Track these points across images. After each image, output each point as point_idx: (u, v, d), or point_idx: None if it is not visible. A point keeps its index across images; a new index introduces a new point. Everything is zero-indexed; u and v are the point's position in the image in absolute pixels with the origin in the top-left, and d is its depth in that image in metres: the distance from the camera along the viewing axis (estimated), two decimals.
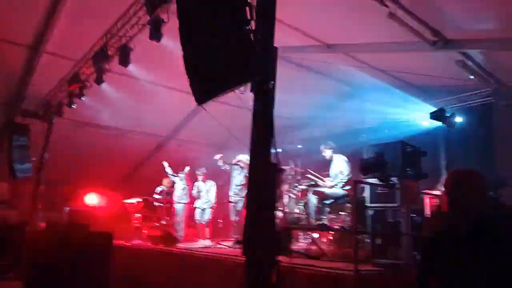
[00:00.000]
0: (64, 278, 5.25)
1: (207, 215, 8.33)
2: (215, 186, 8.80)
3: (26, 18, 7.16)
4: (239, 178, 8.04)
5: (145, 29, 6.28)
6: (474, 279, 1.71)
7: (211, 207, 8.47)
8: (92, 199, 13.38)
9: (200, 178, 8.82)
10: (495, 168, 7.28)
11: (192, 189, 9.20)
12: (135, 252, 7.51)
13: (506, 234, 1.78)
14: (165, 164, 9.53)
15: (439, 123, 7.95)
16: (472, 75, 7.21)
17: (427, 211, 5.58)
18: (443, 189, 1.98)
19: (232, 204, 8.07)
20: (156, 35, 5.92)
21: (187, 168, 9.42)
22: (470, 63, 6.94)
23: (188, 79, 3.50)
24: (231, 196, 8.19)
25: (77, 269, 5.31)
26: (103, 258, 5.75)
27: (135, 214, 9.80)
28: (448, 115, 7.87)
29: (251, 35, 3.29)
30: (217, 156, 8.43)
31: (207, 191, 8.65)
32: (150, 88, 9.17)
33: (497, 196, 6.39)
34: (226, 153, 8.58)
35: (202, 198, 8.66)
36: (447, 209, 1.94)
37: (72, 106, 8.74)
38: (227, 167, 8.33)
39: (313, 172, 6.96)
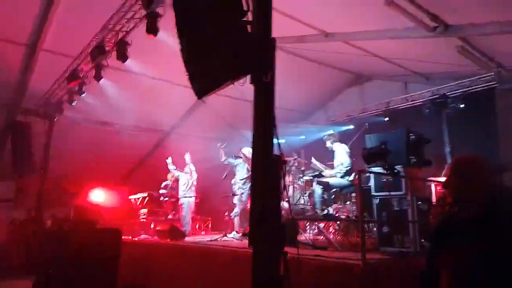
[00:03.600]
0: (74, 275, 5.29)
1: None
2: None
3: (21, 15, 7.12)
4: (242, 172, 8.04)
5: (142, 23, 6.24)
6: (482, 266, 1.71)
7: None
8: (97, 195, 13.45)
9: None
10: (498, 153, 7.25)
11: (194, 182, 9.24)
12: (143, 247, 7.55)
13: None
14: (169, 160, 9.52)
15: (442, 109, 7.91)
16: (473, 60, 7.15)
17: (433, 198, 5.58)
18: (448, 176, 1.97)
19: (237, 197, 8.08)
20: (153, 29, 5.87)
21: (188, 166, 9.44)
22: (470, 48, 6.88)
23: (187, 73, 3.47)
24: (236, 190, 8.19)
25: (85, 265, 5.34)
26: (112, 254, 5.77)
27: (141, 210, 9.83)
28: (451, 101, 7.82)
29: (248, 26, 3.25)
30: (219, 145, 8.39)
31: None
32: (151, 83, 9.15)
33: (501, 181, 6.39)
34: (228, 145, 8.51)
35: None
36: (453, 196, 1.94)
37: (73, 103, 8.75)
38: (230, 160, 8.32)
39: (315, 162, 6.95)
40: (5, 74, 8.65)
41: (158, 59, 7.77)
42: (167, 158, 9.61)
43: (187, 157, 9.49)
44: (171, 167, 9.58)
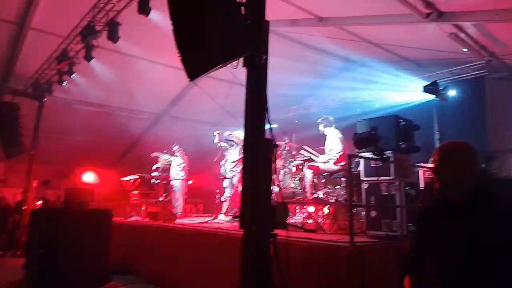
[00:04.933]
0: (64, 255, 5.33)
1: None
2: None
3: None
4: (233, 155, 8.06)
5: (133, 3, 6.14)
6: (465, 251, 1.75)
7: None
8: (89, 177, 13.45)
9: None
10: (487, 141, 7.37)
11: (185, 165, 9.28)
12: (134, 228, 7.59)
13: (497, 207, 1.82)
14: (157, 154, 9.51)
15: (432, 97, 7.96)
16: (465, 48, 7.18)
17: (421, 184, 5.67)
18: (436, 162, 1.97)
19: (227, 179, 8.12)
20: (144, 9, 5.79)
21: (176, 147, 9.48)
22: (463, 35, 6.90)
23: (179, 54, 3.44)
24: (227, 172, 8.22)
25: (77, 246, 5.38)
26: (103, 235, 5.82)
27: (133, 192, 9.86)
28: (441, 88, 7.86)
29: (242, 8, 3.22)
30: (215, 133, 8.40)
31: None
32: (142, 64, 9.04)
33: (488, 168, 6.51)
34: (220, 129, 8.53)
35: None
36: (440, 181, 1.94)
37: (63, 84, 8.63)
38: (222, 144, 8.33)
39: (307, 149, 6.98)
40: None
41: (150, 40, 7.66)
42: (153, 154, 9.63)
43: (176, 148, 9.51)
44: (163, 157, 9.56)
